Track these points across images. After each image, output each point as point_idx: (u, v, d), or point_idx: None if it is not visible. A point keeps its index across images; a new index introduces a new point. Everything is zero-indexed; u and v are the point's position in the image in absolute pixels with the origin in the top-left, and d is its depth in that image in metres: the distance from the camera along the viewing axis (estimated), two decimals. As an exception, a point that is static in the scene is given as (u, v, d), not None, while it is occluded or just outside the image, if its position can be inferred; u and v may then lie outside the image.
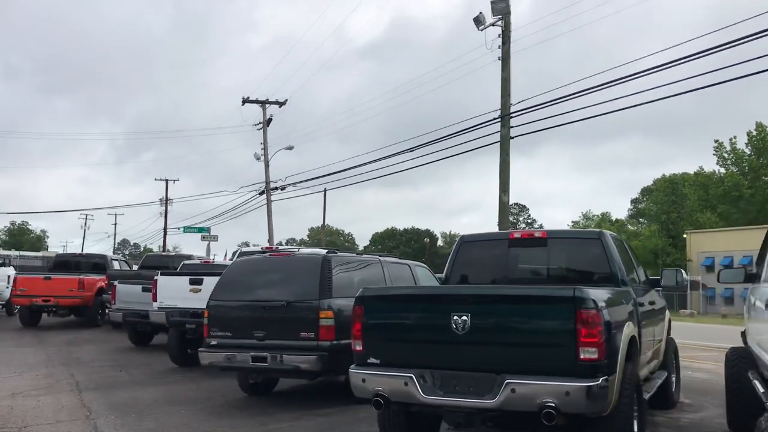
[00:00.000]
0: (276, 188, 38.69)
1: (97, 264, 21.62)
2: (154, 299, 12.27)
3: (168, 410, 8.80)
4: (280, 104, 39.29)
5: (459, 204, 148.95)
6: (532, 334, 5.34)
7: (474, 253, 7.77)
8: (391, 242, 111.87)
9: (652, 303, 7.89)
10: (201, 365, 9.22)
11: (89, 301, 19.35)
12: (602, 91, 17.53)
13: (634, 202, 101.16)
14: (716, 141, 61.95)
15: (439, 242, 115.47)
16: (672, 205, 70.96)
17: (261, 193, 39.58)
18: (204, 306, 11.56)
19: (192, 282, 11.92)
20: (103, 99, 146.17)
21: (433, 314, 5.71)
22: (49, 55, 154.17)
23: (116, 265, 21.91)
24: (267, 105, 39.28)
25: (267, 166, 39.17)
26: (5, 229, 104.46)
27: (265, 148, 39.24)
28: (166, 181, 62.29)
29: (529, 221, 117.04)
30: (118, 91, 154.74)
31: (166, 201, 62.06)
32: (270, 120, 39.19)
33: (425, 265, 11.98)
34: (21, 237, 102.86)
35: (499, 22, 20.73)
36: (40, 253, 64.20)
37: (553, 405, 4.96)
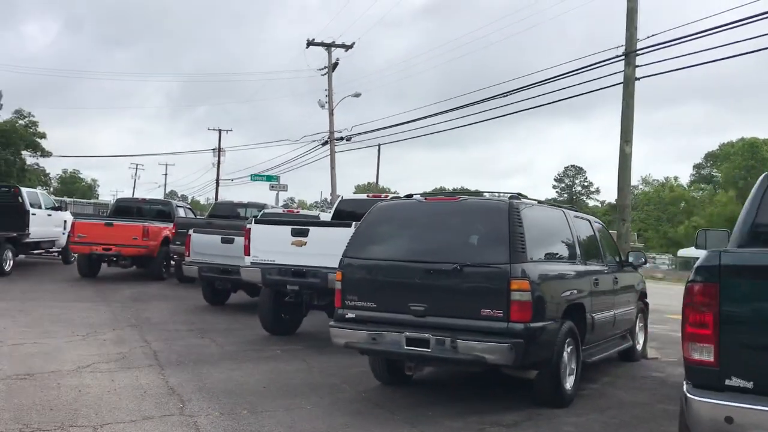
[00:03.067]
0: (341, 138, 36.20)
1: (161, 211, 19.48)
2: (247, 253, 9.93)
3: (287, 405, 6.47)
4: (347, 47, 36.44)
5: (507, 166, 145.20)
6: None
7: None
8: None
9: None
10: (314, 340, 6.89)
11: (154, 251, 17.25)
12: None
13: (697, 167, 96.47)
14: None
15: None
16: (751, 170, 66.44)
17: (324, 144, 37.17)
18: (310, 263, 9.33)
19: (295, 233, 9.52)
20: (161, 51, 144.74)
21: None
22: (110, 7, 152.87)
23: (181, 213, 19.77)
24: (333, 48, 36.57)
25: (331, 114, 36.59)
26: (57, 177, 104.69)
27: (330, 95, 36.60)
28: (219, 131, 60.57)
29: (585, 184, 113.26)
30: (176, 44, 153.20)
31: (219, 150, 60.43)
32: (336, 64, 36.50)
33: (601, 222, 9.37)
34: (72, 185, 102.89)
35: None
36: (92, 201, 63.48)
37: None
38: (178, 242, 16.60)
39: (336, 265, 9.11)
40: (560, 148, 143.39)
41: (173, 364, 8.12)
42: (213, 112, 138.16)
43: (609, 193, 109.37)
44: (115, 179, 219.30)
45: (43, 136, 59.47)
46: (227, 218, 18.19)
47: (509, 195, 6.71)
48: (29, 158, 60.70)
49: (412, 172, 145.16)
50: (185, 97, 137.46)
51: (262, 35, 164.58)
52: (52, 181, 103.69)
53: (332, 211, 11.96)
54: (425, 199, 6.88)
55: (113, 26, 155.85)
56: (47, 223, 18.98)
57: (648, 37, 17.86)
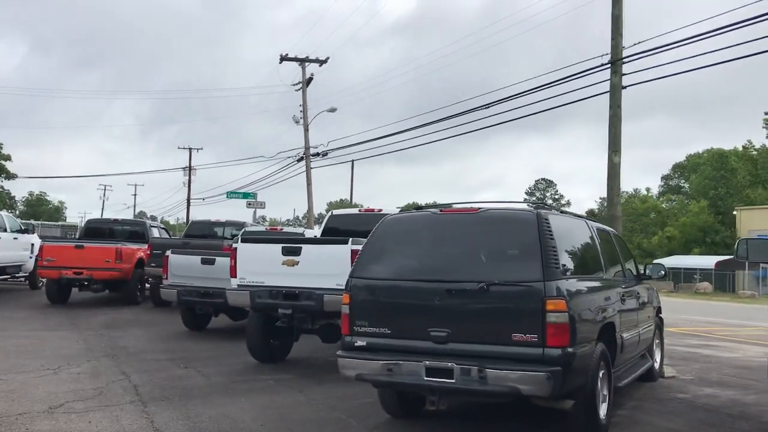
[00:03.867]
0: (317, 154, 35.51)
1: (134, 232, 18.53)
2: (233, 274, 9.17)
3: (291, 446, 5.75)
4: (321, 62, 35.92)
5: (479, 180, 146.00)
6: None
7: None
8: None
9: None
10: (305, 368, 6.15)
11: (128, 274, 16.33)
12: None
13: (665, 178, 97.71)
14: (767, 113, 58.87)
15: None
16: (720, 180, 67.16)
17: (300, 160, 36.43)
18: (303, 284, 8.61)
19: (287, 252, 8.80)
20: (130, 72, 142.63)
21: None
22: (78, 30, 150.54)
23: (156, 233, 18.85)
24: (307, 63, 35.96)
25: (307, 129, 35.90)
26: (23, 199, 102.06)
27: (304, 110, 35.95)
28: (190, 149, 59.59)
29: (556, 197, 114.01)
30: (146, 65, 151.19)
31: (189, 169, 59.33)
32: (311, 79, 35.86)
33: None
34: (39, 208, 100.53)
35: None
36: (59, 223, 61.71)
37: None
38: (153, 264, 15.77)
39: (331, 286, 8.48)
40: (530, 162, 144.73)
41: (157, 400, 7.31)
42: (183, 131, 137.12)
43: (579, 206, 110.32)
44: (82, 201, 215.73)
45: (7, 158, 57.88)
46: (204, 238, 17.37)
47: (531, 203, 6.08)
48: (-7, 182, 59.08)
49: (385, 188, 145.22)
50: (155, 117, 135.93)
51: (232, 55, 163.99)
52: (18, 204, 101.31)
53: (321, 227, 11.26)
54: (441, 211, 6.21)
55: (81, 48, 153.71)
56: (13, 246, 17.92)
57: (632, 45, 17.69)
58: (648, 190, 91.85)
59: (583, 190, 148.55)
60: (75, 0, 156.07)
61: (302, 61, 35.82)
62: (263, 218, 49.46)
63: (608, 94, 17.63)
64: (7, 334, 11.75)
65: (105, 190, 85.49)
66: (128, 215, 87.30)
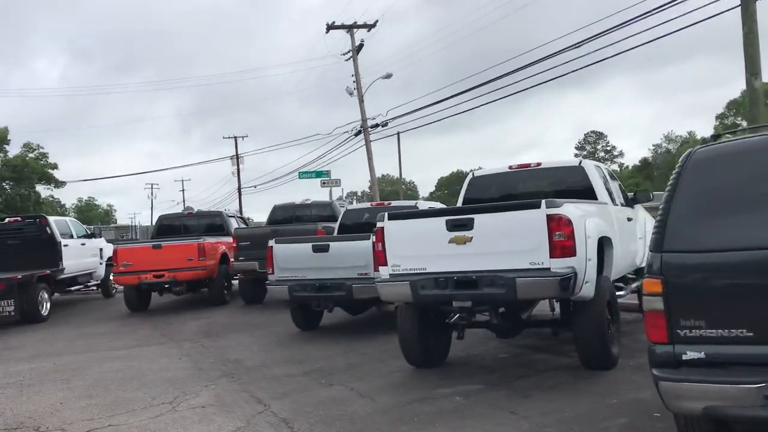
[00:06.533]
0: (376, 125, 33.33)
1: (211, 224, 16.67)
2: (381, 261, 7.10)
3: None
4: (369, 27, 33.64)
5: (518, 142, 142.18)
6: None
7: None
8: (459, 185, 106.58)
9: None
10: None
11: (213, 271, 14.49)
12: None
13: (720, 117, 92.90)
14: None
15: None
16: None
17: (357, 134, 34.31)
18: (482, 267, 6.51)
19: (454, 226, 6.68)
20: (168, 71, 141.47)
21: None
22: (114, 35, 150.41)
23: (234, 223, 16.96)
24: (355, 29, 33.70)
25: (361, 100, 33.74)
26: (73, 206, 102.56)
27: (357, 80, 33.77)
28: (235, 138, 57.82)
29: (608, 148, 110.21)
30: (184, 62, 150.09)
31: (237, 157, 57.70)
32: (361, 46, 33.66)
33: None
34: (89, 213, 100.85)
35: None
36: (112, 226, 61.00)
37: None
38: (242, 257, 13.89)
39: (523, 266, 6.37)
40: (569, 119, 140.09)
41: (326, 441, 5.35)
42: (226, 123, 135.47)
43: (631, 156, 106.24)
44: (131, 203, 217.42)
45: (54, 167, 57.40)
46: (289, 222, 15.43)
47: None
48: (43, 191, 58.69)
49: (424, 159, 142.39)
50: (196, 112, 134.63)
51: (267, 43, 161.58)
52: (68, 211, 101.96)
53: (461, 196, 9.11)
54: None
55: (119, 52, 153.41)
56: (82, 253, 16.32)
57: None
58: (689, 133, 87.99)
59: (630, 140, 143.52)
60: (109, 6, 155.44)
61: (350, 28, 33.56)
62: (341, 198, 47.37)
63: (739, 9, 15.24)
64: (96, 356, 10.00)
65: (152, 188, 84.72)
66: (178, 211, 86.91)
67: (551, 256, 6.25)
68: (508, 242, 6.46)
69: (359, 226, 11.80)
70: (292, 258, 10.23)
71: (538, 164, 8.68)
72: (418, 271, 6.87)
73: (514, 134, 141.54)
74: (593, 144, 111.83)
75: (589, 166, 8.42)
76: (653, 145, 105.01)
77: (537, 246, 6.30)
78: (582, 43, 19.21)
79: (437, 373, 7.51)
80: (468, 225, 6.62)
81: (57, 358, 10.06)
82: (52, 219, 15.56)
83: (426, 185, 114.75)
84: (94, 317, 14.78)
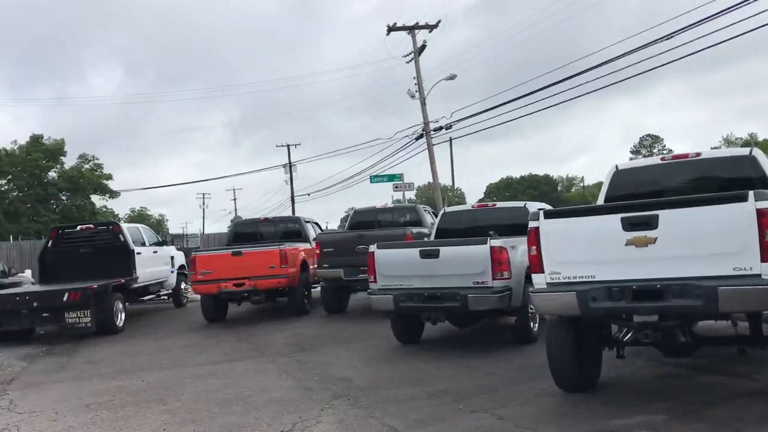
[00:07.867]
0: (439, 128, 32.28)
1: (289, 230, 15.80)
2: (537, 269, 6.01)
3: None
4: (431, 27, 32.72)
5: (568, 149, 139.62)
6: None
7: None
8: (508, 192, 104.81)
9: None
10: None
11: (295, 279, 13.59)
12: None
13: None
14: None
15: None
16: None
17: (419, 137, 33.29)
18: (670, 274, 5.39)
19: (631, 224, 5.56)
20: (219, 82, 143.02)
21: None
22: (164, 49, 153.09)
23: (311, 229, 16.08)
24: (417, 30, 32.78)
25: (423, 103, 32.75)
26: (126, 216, 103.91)
27: (419, 82, 32.80)
28: (288, 146, 57.58)
29: (664, 151, 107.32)
30: (233, 76, 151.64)
31: (290, 165, 57.39)
32: (423, 47, 32.71)
33: None
34: (141, 222, 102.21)
35: None
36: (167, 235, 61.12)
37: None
38: (326, 264, 12.97)
39: (725, 272, 5.23)
40: (618, 124, 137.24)
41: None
42: (276, 133, 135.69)
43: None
44: (183, 212, 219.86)
45: (109, 177, 58.05)
46: (371, 227, 14.48)
47: None
48: (98, 201, 59.42)
49: (474, 166, 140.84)
50: (247, 123, 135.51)
51: (315, 52, 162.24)
52: (122, 221, 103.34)
53: (602, 192, 7.97)
54: None
55: (172, 65, 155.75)
56: (154, 262, 15.66)
57: None
58: (750, 134, 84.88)
59: (685, 143, 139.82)
60: (158, 21, 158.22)
61: (412, 29, 32.65)
62: (351, 208, 46.61)
63: None
64: (187, 372, 9.16)
65: (203, 198, 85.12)
66: (228, 222, 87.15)
67: (762, 260, 5.10)
68: (703, 243, 5.33)
69: (461, 230, 10.78)
70: (396, 265, 9.24)
71: (698, 154, 7.50)
72: (586, 280, 5.77)
73: (563, 140, 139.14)
74: (648, 148, 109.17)
75: (761, 155, 7.21)
76: (711, 148, 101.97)
77: (743, 247, 5.16)
78: (634, 51, 18.31)
79: (596, 398, 6.39)
80: (651, 223, 5.51)
81: (144, 374, 9.25)
82: (125, 226, 14.94)
83: (473, 192, 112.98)
84: (171, 328, 14.02)
